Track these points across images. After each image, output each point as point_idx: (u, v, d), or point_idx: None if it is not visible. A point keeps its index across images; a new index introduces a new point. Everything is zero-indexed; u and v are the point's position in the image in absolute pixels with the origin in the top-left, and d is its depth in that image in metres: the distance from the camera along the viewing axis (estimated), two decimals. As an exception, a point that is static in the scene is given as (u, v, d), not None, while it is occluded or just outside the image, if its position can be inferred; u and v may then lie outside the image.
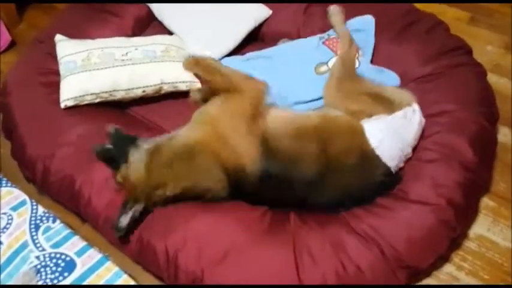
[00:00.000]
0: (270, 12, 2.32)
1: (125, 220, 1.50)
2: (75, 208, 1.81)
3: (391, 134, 1.59)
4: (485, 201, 1.89)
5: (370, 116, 1.63)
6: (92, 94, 1.97)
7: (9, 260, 1.59)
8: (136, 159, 1.58)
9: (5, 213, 1.70)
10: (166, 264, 1.56)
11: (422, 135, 1.74)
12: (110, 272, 1.56)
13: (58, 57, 2.05)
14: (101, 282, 1.52)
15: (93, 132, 1.87)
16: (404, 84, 1.92)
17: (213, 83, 1.82)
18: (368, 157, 1.57)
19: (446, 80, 1.87)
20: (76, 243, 1.62)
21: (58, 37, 2.11)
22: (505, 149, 2.04)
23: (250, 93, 1.69)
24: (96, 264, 1.57)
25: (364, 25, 2.08)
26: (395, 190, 1.62)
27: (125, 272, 1.57)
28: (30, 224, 1.66)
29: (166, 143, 1.62)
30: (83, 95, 1.95)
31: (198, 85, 2.07)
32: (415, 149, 1.71)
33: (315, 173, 1.55)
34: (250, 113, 1.63)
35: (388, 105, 1.66)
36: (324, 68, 1.98)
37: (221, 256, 1.51)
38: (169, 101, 2.13)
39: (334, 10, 2.10)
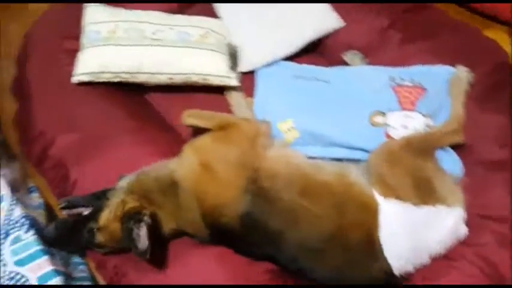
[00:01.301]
0: (342, 24, 1.96)
1: (143, 241, 1.25)
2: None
3: (408, 229, 1.32)
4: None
5: (397, 198, 1.36)
6: (110, 72, 1.73)
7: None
8: (115, 194, 1.39)
9: (-23, 207, 1.46)
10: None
11: (466, 241, 1.41)
12: None
13: (82, 24, 1.82)
14: None
15: (102, 119, 1.69)
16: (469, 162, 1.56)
17: (211, 126, 1.55)
18: (371, 243, 1.31)
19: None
20: (42, 265, 1.37)
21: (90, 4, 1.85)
22: None
23: (246, 128, 1.49)
24: None
25: (441, 76, 1.70)
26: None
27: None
28: (0, 229, 1.42)
29: (149, 172, 1.43)
30: (101, 72, 1.72)
31: (233, 82, 1.72)
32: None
33: (313, 239, 1.32)
34: (244, 148, 1.43)
35: (428, 197, 1.37)
36: (380, 120, 1.63)
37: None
38: (198, 94, 1.84)
39: (460, 74, 1.70)
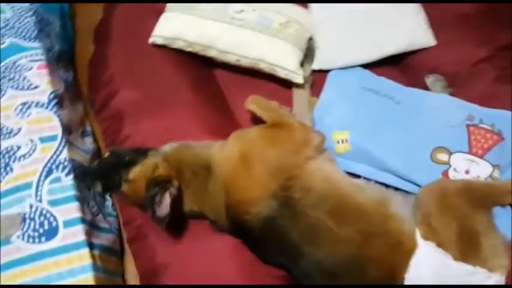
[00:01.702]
0: (434, 43, 1.79)
1: (164, 208, 1.26)
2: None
3: (439, 280, 1.22)
4: None
5: (439, 244, 1.25)
6: (184, 41, 1.75)
7: (7, 193, 1.45)
8: (155, 155, 1.41)
9: (31, 141, 1.54)
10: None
11: None
12: (79, 262, 1.37)
13: None
14: (64, 270, 1.35)
15: (168, 85, 1.71)
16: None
17: (267, 118, 1.50)
18: (393, 282, 1.24)
19: None
20: (71, 210, 1.44)
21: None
22: None
23: (298, 134, 1.43)
24: (72, 246, 1.39)
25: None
26: None
27: (94, 271, 1.37)
28: (45, 166, 1.49)
29: (192, 149, 1.43)
30: (175, 38, 1.75)
31: (299, 79, 1.68)
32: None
33: (330, 260, 1.26)
34: (287, 153, 1.38)
35: (470, 253, 1.25)
36: (443, 158, 1.50)
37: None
38: (267, 83, 1.80)
39: None
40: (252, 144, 1.40)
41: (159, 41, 1.75)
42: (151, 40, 1.76)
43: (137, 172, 1.36)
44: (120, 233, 1.73)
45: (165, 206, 1.26)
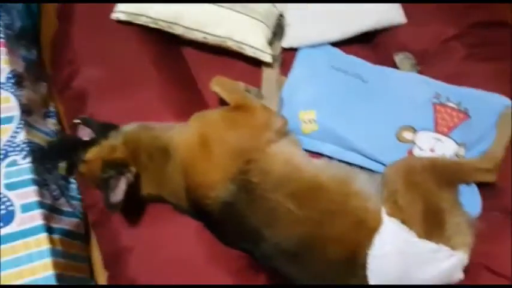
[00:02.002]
0: (404, 21, 1.78)
1: (117, 194, 1.24)
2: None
3: (402, 257, 1.23)
4: None
5: (403, 222, 1.25)
6: (148, 17, 1.69)
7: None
8: (115, 136, 1.38)
9: (-10, 121, 1.50)
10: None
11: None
12: (36, 247, 1.35)
13: None
14: (21, 255, 1.33)
15: (132, 63, 1.66)
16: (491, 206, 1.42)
17: (230, 100, 1.49)
18: (355, 260, 1.24)
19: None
20: (28, 194, 1.42)
21: None
22: None
23: (259, 117, 1.41)
24: (30, 230, 1.37)
25: (492, 106, 1.53)
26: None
27: (53, 256, 1.34)
28: (1, 149, 1.46)
29: (152, 130, 1.40)
30: (139, 14, 1.69)
31: (267, 58, 1.67)
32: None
33: (289, 241, 1.26)
34: (247, 137, 1.36)
35: (434, 231, 1.25)
36: (408, 136, 1.50)
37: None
38: (237, 62, 1.76)
39: None
40: (211, 126, 1.37)
41: (122, 16, 1.69)
42: (114, 16, 1.70)
43: (95, 152, 1.33)
44: (86, 217, 1.70)
45: (119, 191, 1.23)
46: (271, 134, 1.38)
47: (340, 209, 1.27)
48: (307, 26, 1.75)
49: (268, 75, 1.70)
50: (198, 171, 1.31)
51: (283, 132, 1.43)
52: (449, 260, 1.24)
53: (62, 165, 1.44)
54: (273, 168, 1.31)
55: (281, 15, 1.77)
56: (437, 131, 1.49)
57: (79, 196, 1.72)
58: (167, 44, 1.78)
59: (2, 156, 1.44)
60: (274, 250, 1.28)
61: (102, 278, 1.69)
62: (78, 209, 1.66)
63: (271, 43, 1.72)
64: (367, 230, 1.24)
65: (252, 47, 1.65)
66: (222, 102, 1.51)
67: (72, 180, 1.73)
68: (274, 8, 1.74)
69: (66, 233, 1.49)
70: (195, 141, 1.33)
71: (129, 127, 1.41)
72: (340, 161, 1.51)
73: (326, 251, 1.25)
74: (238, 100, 1.45)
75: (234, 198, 1.28)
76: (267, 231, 1.27)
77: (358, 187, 1.31)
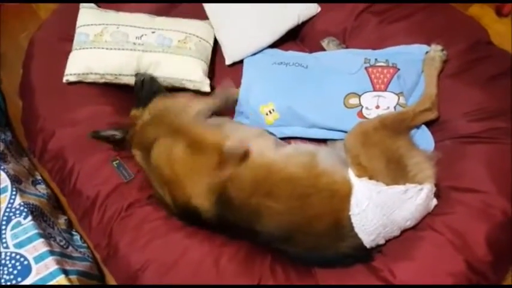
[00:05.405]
0: (319, 9, 2.01)
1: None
2: (62, 192, 1.78)
3: (379, 207, 1.36)
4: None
5: (371, 178, 1.40)
6: (96, 74, 1.84)
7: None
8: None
9: (-17, 196, 1.63)
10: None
11: (434, 211, 1.46)
12: None
13: (76, 25, 1.92)
14: None
15: (98, 114, 1.80)
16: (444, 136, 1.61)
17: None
18: (340, 225, 1.38)
19: (493, 151, 1.53)
20: (38, 247, 1.54)
21: (84, 4, 1.96)
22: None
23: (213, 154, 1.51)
24: (49, 276, 1.48)
25: (414, 55, 1.73)
26: (383, 271, 1.39)
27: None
28: (3, 215, 1.59)
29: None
30: (87, 73, 1.84)
31: (206, 88, 1.87)
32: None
33: (279, 230, 1.41)
34: (213, 175, 1.48)
35: (399, 175, 1.40)
36: (354, 102, 1.67)
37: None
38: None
39: (434, 53, 1.70)
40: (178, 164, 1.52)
41: (72, 78, 1.83)
42: (64, 79, 1.83)
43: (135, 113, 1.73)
44: (96, 260, 1.82)
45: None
46: (228, 166, 1.48)
47: (313, 190, 1.41)
48: (241, 40, 1.94)
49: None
50: (180, 193, 1.49)
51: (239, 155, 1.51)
52: (420, 194, 1.38)
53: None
54: (245, 179, 1.44)
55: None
56: (376, 89, 1.67)
57: (85, 245, 1.83)
58: (122, 92, 1.91)
59: (5, 222, 1.57)
60: (270, 238, 1.43)
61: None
62: (87, 254, 1.77)
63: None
64: (341, 197, 1.38)
65: (191, 81, 1.84)
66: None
67: (74, 232, 1.85)
68: (204, 41, 1.93)
69: (82, 274, 1.60)
70: (167, 168, 1.51)
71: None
72: (305, 139, 1.71)
73: (313, 227, 1.39)
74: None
75: (222, 212, 1.44)
76: (257, 226, 1.42)
77: (323, 166, 1.45)
